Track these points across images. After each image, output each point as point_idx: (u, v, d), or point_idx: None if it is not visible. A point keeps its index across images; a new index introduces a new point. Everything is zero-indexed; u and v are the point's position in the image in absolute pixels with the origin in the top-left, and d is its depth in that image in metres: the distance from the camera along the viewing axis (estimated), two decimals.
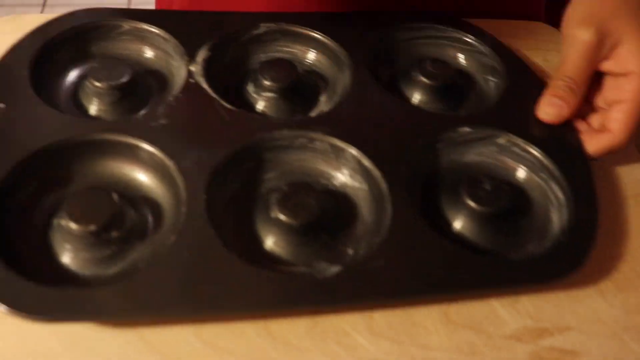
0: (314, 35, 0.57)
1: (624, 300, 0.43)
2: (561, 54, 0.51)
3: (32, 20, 0.56)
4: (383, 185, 0.45)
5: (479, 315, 0.41)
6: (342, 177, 0.48)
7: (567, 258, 0.43)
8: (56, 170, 0.44)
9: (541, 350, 0.40)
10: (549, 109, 0.50)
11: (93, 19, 0.55)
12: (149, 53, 0.56)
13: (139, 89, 0.51)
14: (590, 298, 0.43)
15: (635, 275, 0.44)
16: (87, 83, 0.50)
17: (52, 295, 0.36)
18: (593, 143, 0.49)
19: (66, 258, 0.40)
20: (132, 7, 0.53)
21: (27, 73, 0.49)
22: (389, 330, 0.40)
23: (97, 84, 0.49)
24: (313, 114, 0.53)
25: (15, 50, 0.51)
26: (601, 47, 0.49)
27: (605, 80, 0.51)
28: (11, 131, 0.44)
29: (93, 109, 0.50)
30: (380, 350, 0.39)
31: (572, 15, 0.51)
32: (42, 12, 2.18)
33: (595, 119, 0.51)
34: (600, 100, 0.52)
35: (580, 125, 0.51)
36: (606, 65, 0.50)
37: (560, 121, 0.50)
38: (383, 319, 0.40)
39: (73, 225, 0.39)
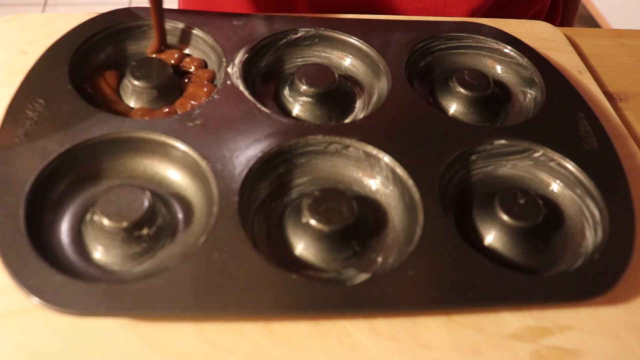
0: (351, 42, 0.57)
1: (626, 300, 0.43)
2: None
3: (33, 19, 0.57)
4: (416, 194, 0.44)
5: (480, 314, 0.41)
6: (375, 184, 0.47)
7: (599, 277, 0.42)
8: (91, 166, 0.45)
9: (543, 350, 0.39)
10: None
11: (133, 18, 0.55)
12: (187, 53, 0.56)
13: (176, 88, 0.52)
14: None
15: (638, 275, 0.44)
16: (126, 81, 0.50)
17: (84, 290, 0.37)
18: None
19: (98, 253, 0.41)
20: (133, 6, 0.53)
21: (67, 70, 0.49)
22: (390, 329, 0.39)
23: (136, 82, 0.50)
24: (348, 120, 0.53)
25: (56, 46, 0.51)
26: None
27: None
28: (49, 127, 0.45)
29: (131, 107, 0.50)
30: (382, 349, 0.38)
31: None
32: (43, 11, 2.21)
33: None
34: None
35: None
36: None
37: None
38: (385, 318, 0.40)
39: (105, 221, 0.40)
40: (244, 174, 0.44)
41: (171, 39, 0.56)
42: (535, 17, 0.79)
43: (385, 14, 0.69)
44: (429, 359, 0.38)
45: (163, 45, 0.55)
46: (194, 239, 0.42)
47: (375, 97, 0.55)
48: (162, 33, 0.54)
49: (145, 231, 0.41)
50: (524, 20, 0.67)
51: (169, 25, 0.55)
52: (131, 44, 0.55)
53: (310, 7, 0.71)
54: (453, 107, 0.55)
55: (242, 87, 0.51)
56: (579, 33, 0.69)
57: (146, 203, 0.41)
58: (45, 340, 0.37)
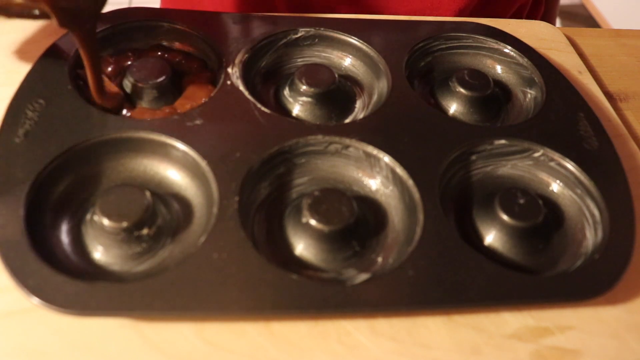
0: (351, 41, 0.57)
1: (626, 300, 0.43)
2: None
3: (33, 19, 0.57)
4: (416, 194, 0.44)
5: (480, 314, 0.41)
6: (375, 184, 0.47)
7: (599, 277, 0.42)
8: (91, 166, 0.45)
9: (543, 350, 0.40)
10: None
11: (134, 18, 0.55)
12: (187, 53, 0.56)
13: (176, 88, 0.51)
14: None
15: (638, 275, 0.44)
16: (126, 81, 0.50)
17: (84, 290, 0.37)
18: None
19: (98, 253, 0.41)
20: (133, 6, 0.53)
21: (67, 70, 0.49)
22: (390, 329, 0.39)
23: (136, 82, 0.49)
24: (348, 120, 0.53)
25: (56, 47, 0.51)
26: None
27: None
28: (49, 127, 0.45)
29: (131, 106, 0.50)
30: (382, 349, 0.38)
31: None
32: None
33: None
34: None
35: None
36: None
37: None
38: (385, 318, 0.40)
39: (106, 221, 0.40)
40: (244, 174, 0.44)
41: (171, 40, 0.56)
42: (518, 11, 0.79)
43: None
44: (429, 359, 0.38)
45: (103, 92, 0.48)
46: (194, 239, 0.42)
47: (375, 97, 0.55)
48: (99, 82, 0.47)
49: (145, 231, 0.41)
50: (524, 20, 0.67)
51: (168, 25, 0.55)
52: (133, 43, 0.55)
53: (290, 7, 0.71)
54: (453, 107, 0.55)
55: (242, 87, 0.51)
56: (579, 33, 0.69)
57: (146, 203, 0.41)
58: (45, 340, 0.37)
